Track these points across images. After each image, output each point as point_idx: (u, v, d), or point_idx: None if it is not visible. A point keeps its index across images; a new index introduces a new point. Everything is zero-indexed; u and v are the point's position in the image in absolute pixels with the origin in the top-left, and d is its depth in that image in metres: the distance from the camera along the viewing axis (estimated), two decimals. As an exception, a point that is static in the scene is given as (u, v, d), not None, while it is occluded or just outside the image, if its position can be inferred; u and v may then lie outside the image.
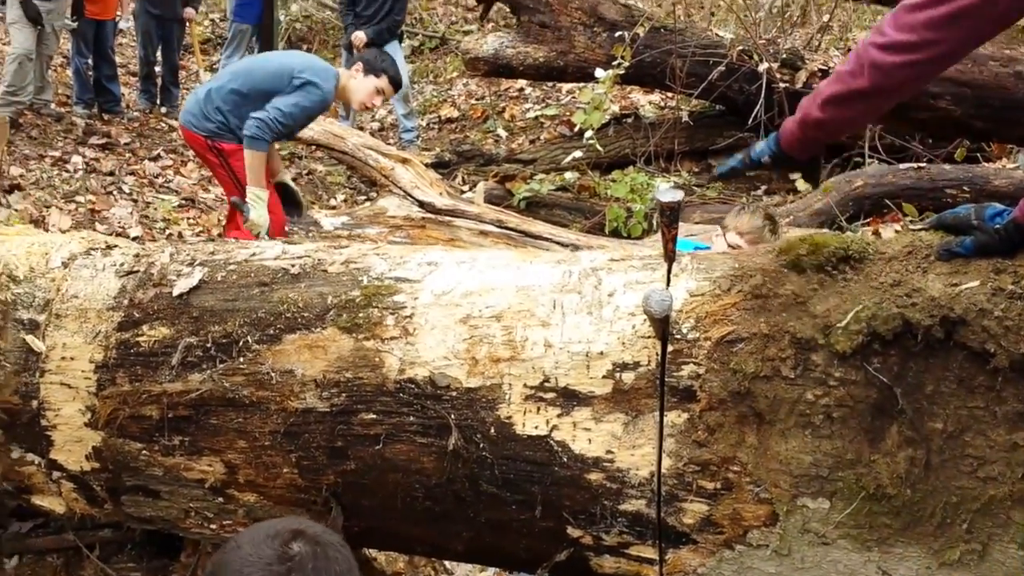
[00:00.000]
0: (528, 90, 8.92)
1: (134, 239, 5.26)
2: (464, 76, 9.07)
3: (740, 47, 6.06)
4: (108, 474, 2.19)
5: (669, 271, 1.86)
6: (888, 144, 5.59)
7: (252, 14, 8.72)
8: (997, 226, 1.69)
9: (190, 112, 4.38)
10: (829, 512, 1.68)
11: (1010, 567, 1.59)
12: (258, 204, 4.25)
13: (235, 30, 8.81)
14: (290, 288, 2.09)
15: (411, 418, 1.92)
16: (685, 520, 1.76)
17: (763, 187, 6.27)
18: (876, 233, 4.46)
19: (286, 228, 4.63)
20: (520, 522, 1.90)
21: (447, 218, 5.32)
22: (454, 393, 1.90)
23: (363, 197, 6.65)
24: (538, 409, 1.85)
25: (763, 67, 5.88)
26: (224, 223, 5.02)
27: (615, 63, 5.88)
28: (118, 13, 7.84)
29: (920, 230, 1.86)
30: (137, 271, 2.23)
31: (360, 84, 4.35)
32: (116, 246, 2.39)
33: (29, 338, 2.20)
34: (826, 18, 7.24)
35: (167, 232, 5.74)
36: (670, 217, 1.78)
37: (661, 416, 1.77)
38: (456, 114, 8.86)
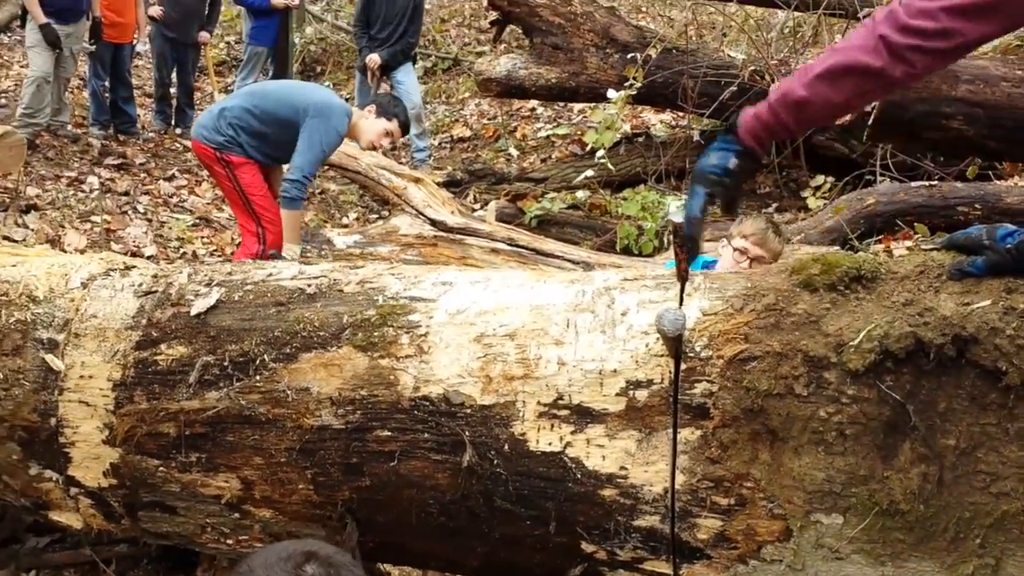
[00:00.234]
0: (540, 110, 8.98)
1: (149, 258, 5.31)
2: (476, 96, 9.14)
3: (752, 67, 6.09)
4: (125, 490, 2.22)
5: (682, 290, 1.87)
6: (899, 162, 5.60)
7: (267, 36, 8.83)
8: (1008, 246, 1.70)
9: (202, 125, 4.49)
10: (843, 527, 1.68)
11: (1024, 582, 1.59)
12: (291, 257, 4.42)
13: (250, 52, 8.92)
14: (306, 308, 2.12)
15: (426, 435, 1.94)
16: (699, 536, 1.77)
17: (774, 204, 6.28)
18: (888, 251, 4.46)
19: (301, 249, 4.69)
20: (534, 538, 1.91)
21: (459, 236, 5.35)
22: (468, 410, 1.92)
23: (375, 216, 6.70)
24: (552, 426, 1.86)
25: (774, 87, 5.90)
26: (239, 242, 5.07)
27: (627, 83, 5.92)
28: (135, 36, 7.96)
29: (932, 250, 1.87)
30: (155, 291, 2.26)
31: (371, 125, 4.45)
32: (135, 267, 2.42)
33: (48, 357, 2.23)
34: (838, 38, 7.27)
35: (181, 251, 5.80)
36: (682, 238, 1.80)
37: (675, 433, 1.78)
38: (468, 134, 8.92)
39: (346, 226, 6.45)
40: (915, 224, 4.59)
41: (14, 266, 2.40)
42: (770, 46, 6.69)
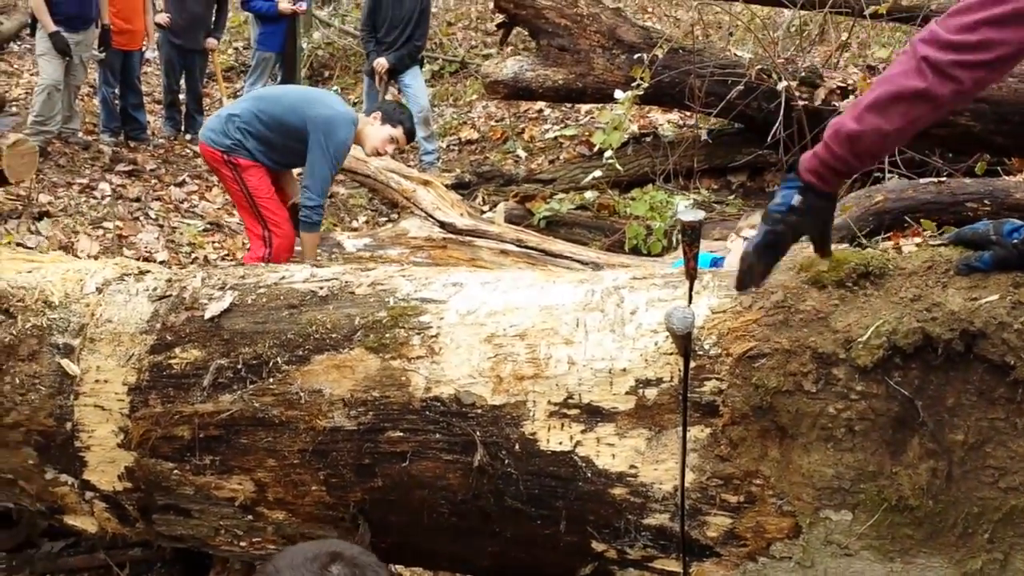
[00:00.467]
0: (547, 111, 8.99)
1: (160, 264, 5.34)
2: (483, 98, 9.15)
3: (759, 66, 6.09)
4: (140, 493, 2.24)
5: (691, 288, 1.88)
6: (908, 159, 5.59)
7: (275, 42, 8.87)
8: (1015, 241, 1.71)
9: (210, 128, 4.55)
10: (852, 524, 1.69)
11: (1033, 577, 1.59)
12: None
13: (258, 58, 8.96)
14: (318, 310, 2.14)
15: (437, 435, 1.96)
16: (709, 533, 1.78)
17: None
18: (897, 248, 4.45)
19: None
20: (545, 537, 1.92)
21: (468, 238, 5.37)
22: (479, 410, 1.93)
23: (384, 219, 6.72)
24: (562, 425, 1.87)
25: (782, 85, 5.90)
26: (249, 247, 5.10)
27: (634, 84, 5.93)
28: (144, 43, 8.00)
29: (939, 245, 1.88)
30: (169, 295, 2.29)
31: (375, 131, 4.50)
32: (149, 271, 2.45)
33: (64, 362, 2.26)
34: (844, 36, 7.26)
35: (193, 256, 5.83)
36: (691, 236, 1.81)
37: (684, 431, 1.79)
38: (476, 136, 8.94)
39: (356, 229, 6.48)
40: (923, 220, 4.58)
41: (29, 272, 2.43)
42: (776, 45, 6.68)
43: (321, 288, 2.19)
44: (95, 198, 6.54)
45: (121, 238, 5.91)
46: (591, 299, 1.98)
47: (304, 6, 8.98)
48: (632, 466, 1.82)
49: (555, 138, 8.28)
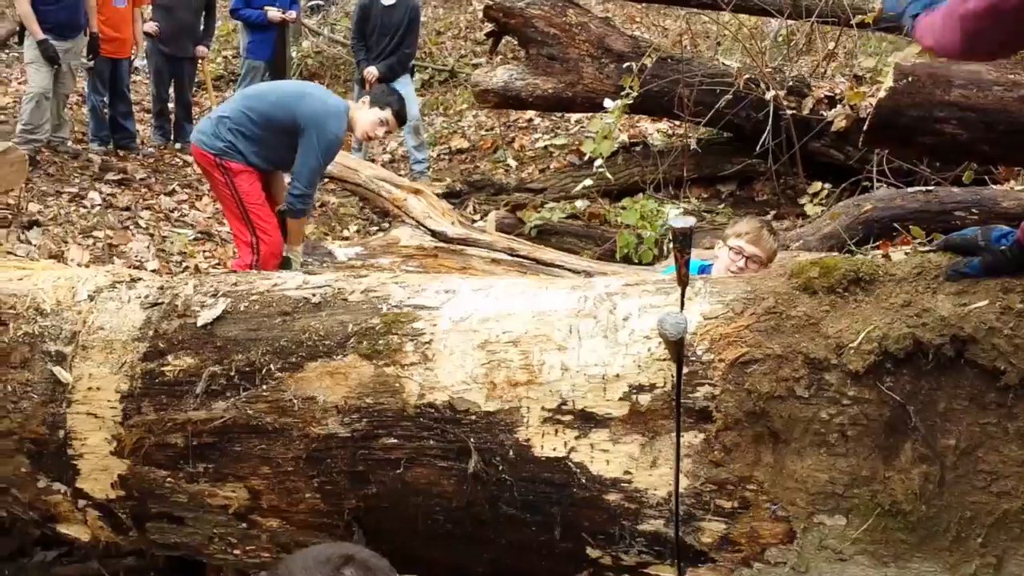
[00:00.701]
0: (537, 120, 9.01)
1: (151, 272, 5.33)
2: (474, 108, 9.17)
3: (747, 75, 6.12)
4: (133, 502, 2.23)
5: (683, 294, 1.89)
6: (896, 168, 5.63)
7: (264, 51, 8.86)
8: (1003, 247, 1.73)
9: (201, 131, 4.55)
10: (845, 529, 1.70)
11: (1025, 579, 1.61)
12: (296, 258, 4.64)
13: (248, 66, 8.94)
14: (311, 317, 2.14)
15: (431, 442, 1.96)
16: (703, 539, 1.79)
17: (772, 212, 6.31)
18: (886, 256, 4.48)
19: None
20: (540, 543, 1.92)
21: (459, 247, 5.37)
22: (473, 417, 1.93)
23: (375, 228, 6.72)
24: (556, 431, 1.88)
25: (770, 95, 5.94)
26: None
27: (623, 93, 5.95)
28: (133, 52, 7.98)
29: (928, 252, 1.90)
30: (162, 303, 2.28)
31: (365, 115, 4.49)
32: (141, 279, 2.44)
33: (56, 369, 2.25)
34: (831, 45, 7.32)
35: (184, 265, 5.81)
36: (683, 242, 1.83)
37: (678, 437, 1.80)
38: (466, 145, 8.95)
39: (347, 238, 6.47)
40: (912, 228, 4.61)
41: (21, 280, 2.43)
42: (764, 54, 6.72)
43: (314, 295, 2.20)
44: (85, 207, 6.51)
45: (111, 247, 5.88)
46: (584, 305, 1.99)
47: (294, 14, 8.97)
48: (626, 472, 1.83)
49: (545, 147, 8.31)
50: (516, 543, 1.96)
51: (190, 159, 7.84)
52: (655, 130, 7.83)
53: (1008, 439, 1.63)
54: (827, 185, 5.97)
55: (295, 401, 2.05)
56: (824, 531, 1.71)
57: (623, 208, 6.15)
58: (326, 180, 6.66)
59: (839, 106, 5.62)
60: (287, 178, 4.66)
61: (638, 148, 7.13)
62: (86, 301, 2.34)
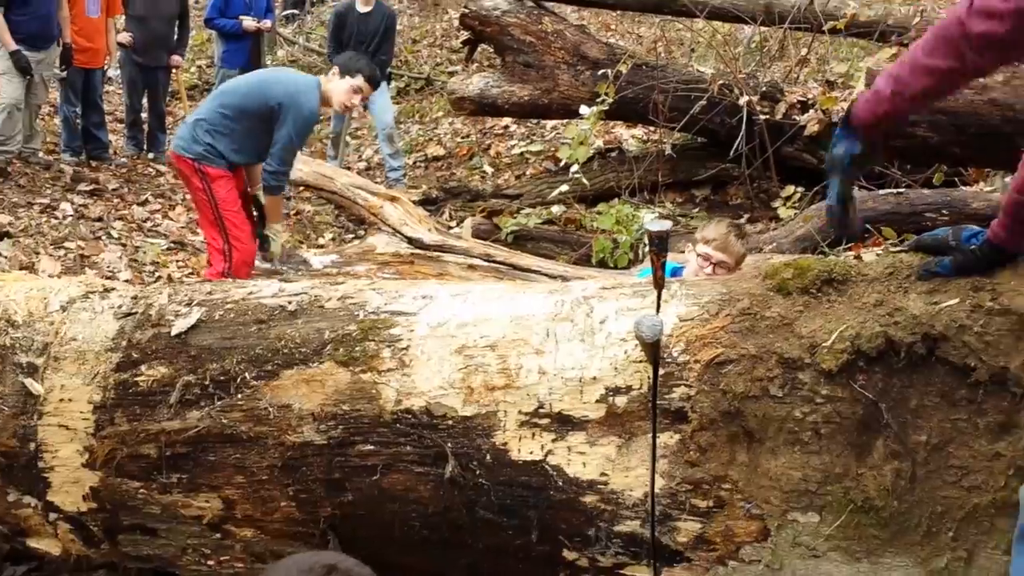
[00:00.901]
0: (513, 127, 9.03)
1: (125, 283, 5.28)
2: (449, 115, 9.17)
3: (720, 81, 6.17)
4: (105, 514, 2.21)
5: (659, 297, 1.90)
6: (867, 171, 5.69)
7: (239, 60, 8.80)
8: (974, 246, 1.76)
9: (180, 137, 4.58)
10: (819, 526, 1.71)
11: (995, 572, 1.62)
12: (277, 238, 4.68)
13: (222, 76, 8.88)
14: (287, 324, 2.13)
15: (408, 448, 1.95)
16: (679, 539, 1.80)
17: (746, 215, 6.36)
18: (858, 258, 4.51)
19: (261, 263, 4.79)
20: (517, 547, 1.92)
21: (436, 253, 5.36)
22: (450, 422, 1.93)
23: (351, 236, 6.69)
24: (533, 435, 1.88)
25: (743, 100, 5.99)
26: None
27: (599, 99, 5.98)
28: (106, 62, 7.92)
29: (900, 252, 1.92)
30: (135, 312, 2.26)
31: (338, 86, 4.50)
32: (114, 289, 2.42)
33: (28, 381, 2.22)
34: (804, 51, 7.39)
35: (156, 275, 5.76)
36: (659, 246, 1.84)
37: (654, 438, 1.81)
38: (442, 152, 8.95)
39: (322, 246, 6.45)
40: (883, 229, 4.66)
41: (-10, 291, 2.39)
42: (737, 60, 6.78)
43: (290, 302, 2.19)
44: (56, 218, 6.44)
45: (83, 258, 5.82)
46: (561, 309, 1.99)
47: (268, 23, 8.94)
48: (603, 474, 1.83)
49: (521, 154, 8.32)
50: (493, 547, 1.95)
51: (163, 169, 7.81)
52: (630, 136, 7.87)
53: (978, 434, 1.65)
54: (800, 188, 6.03)
55: (270, 409, 2.04)
56: (798, 528, 1.73)
57: (599, 213, 6.17)
58: (301, 188, 6.63)
59: (811, 111, 5.68)
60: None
61: (613, 154, 7.16)
62: (58, 312, 2.32)
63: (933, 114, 4.05)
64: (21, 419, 2.21)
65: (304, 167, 6.51)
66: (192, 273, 5.80)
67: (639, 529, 1.82)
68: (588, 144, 6.25)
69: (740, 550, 1.76)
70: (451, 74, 9.96)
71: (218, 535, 2.15)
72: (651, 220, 1.87)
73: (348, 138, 8.15)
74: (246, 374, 2.08)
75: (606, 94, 5.94)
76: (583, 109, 6.08)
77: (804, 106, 5.97)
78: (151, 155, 8.13)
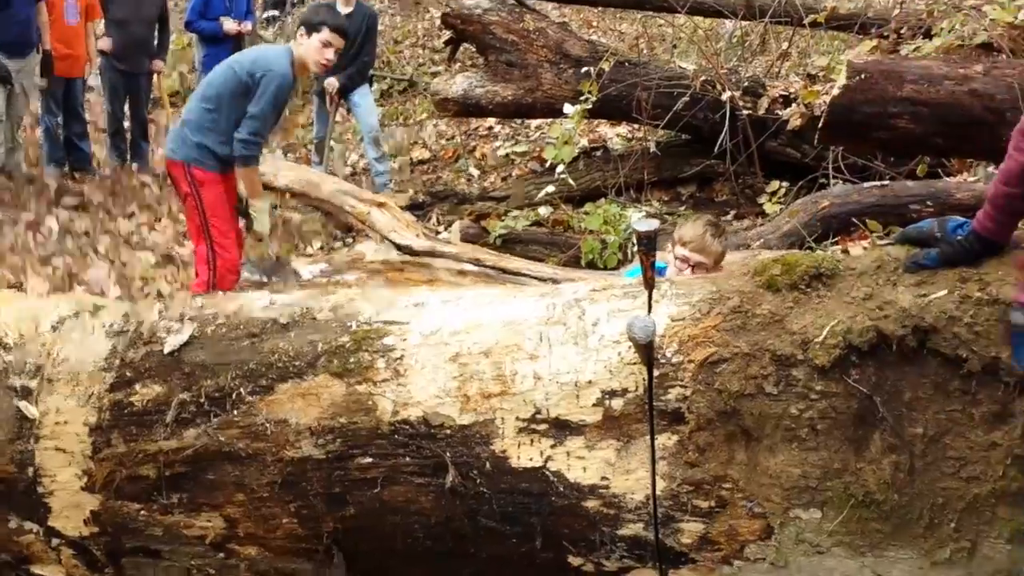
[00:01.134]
0: (497, 128, 9.02)
1: (115, 299, 5.25)
2: (434, 116, 9.16)
3: (703, 77, 6.19)
4: (108, 537, 2.19)
5: (650, 298, 1.91)
6: (851, 164, 5.72)
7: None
8: (959, 237, 1.77)
9: (171, 141, 4.55)
10: (821, 521, 1.73)
11: (999, 561, 1.64)
12: (261, 215, 4.56)
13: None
14: (280, 338, 2.12)
15: (407, 459, 1.95)
16: (683, 540, 1.80)
17: (732, 212, 6.38)
18: (845, 251, 4.55)
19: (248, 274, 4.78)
20: (521, 555, 1.93)
21: (425, 259, 5.37)
22: (448, 431, 1.93)
23: (340, 243, 6.68)
24: (532, 441, 1.88)
25: (726, 96, 6.01)
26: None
27: (582, 98, 5.98)
28: (87, 69, 7.84)
29: (887, 245, 1.94)
30: (127, 330, 2.25)
31: (307, 47, 4.44)
32: (104, 306, 2.41)
33: (22, 404, 2.21)
34: (785, 45, 7.43)
35: (146, 291, 5.74)
36: (647, 245, 1.84)
37: (652, 440, 1.81)
38: (427, 155, 8.94)
39: (311, 255, 6.43)
40: (869, 222, 4.69)
41: (-20, 314, 2.38)
42: (719, 56, 6.81)
43: (281, 315, 2.18)
44: (43, 234, 6.41)
45: (71, 275, 5.79)
46: (553, 313, 2.00)
47: (249, 26, 8.89)
48: (603, 478, 1.84)
49: (507, 155, 8.32)
50: (497, 556, 1.95)
51: (148, 180, 7.77)
52: (615, 134, 7.88)
53: (974, 425, 1.67)
54: (785, 183, 6.06)
55: (267, 425, 2.04)
56: (800, 525, 1.74)
57: (586, 214, 6.18)
58: (287, 196, 6.62)
59: (794, 105, 5.70)
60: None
61: (599, 153, 7.17)
62: (50, 332, 2.30)
63: (915, 105, 4.07)
64: (18, 444, 2.19)
65: (290, 173, 6.50)
66: (181, 287, 5.77)
67: (643, 532, 1.82)
68: (573, 143, 6.25)
69: (744, 549, 1.77)
70: (434, 74, 9.94)
71: (222, 555, 2.14)
72: (638, 219, 1.88)
73: (332, 143, 8.12)
74: (241, 390, 2.07)
75: (589, 92, 5.94)
76: (567, 108, 6.08)
77: (787, 100, 6.00)
78: (135, 165, 8.07)
